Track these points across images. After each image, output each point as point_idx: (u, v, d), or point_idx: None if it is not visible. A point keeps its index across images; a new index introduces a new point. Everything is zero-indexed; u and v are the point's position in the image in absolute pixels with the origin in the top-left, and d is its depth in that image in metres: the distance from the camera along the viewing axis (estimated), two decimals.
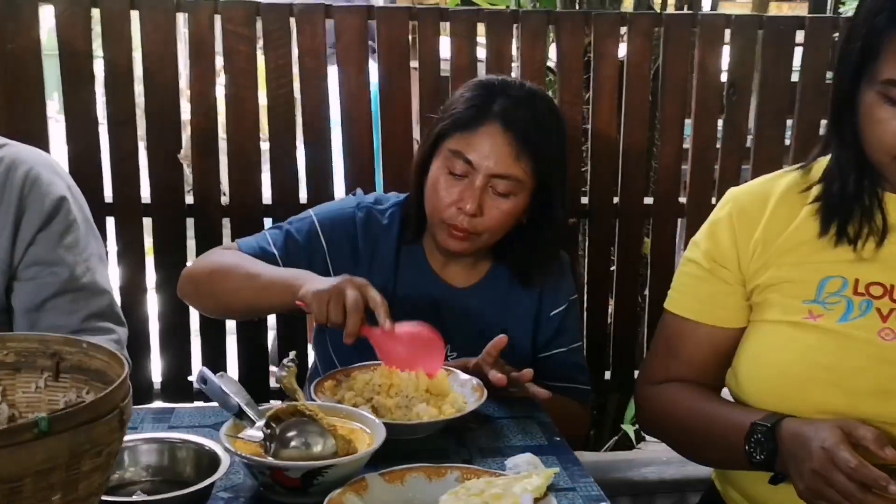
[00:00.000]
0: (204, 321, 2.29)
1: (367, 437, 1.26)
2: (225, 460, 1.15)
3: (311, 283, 1.49)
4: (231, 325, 2.32)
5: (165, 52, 2.15)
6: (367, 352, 1.68)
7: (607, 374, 2.43)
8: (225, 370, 1.90)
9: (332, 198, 2.23)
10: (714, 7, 3.99)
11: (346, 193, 2.16)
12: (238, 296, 1.62)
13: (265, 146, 2.25)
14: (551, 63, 2.50)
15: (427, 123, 2.18)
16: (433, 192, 1.62)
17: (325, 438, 1.21)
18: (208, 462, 1.17)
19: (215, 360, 2.29)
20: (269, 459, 1.17)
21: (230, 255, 1.70)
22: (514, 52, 2.27)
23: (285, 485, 1.16)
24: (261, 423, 1.24)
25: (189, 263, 2.24)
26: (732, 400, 1.44)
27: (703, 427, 1.41)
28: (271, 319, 2.37)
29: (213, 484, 1.13)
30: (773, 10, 4.48)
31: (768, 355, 1.37)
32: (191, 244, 2.26)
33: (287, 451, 1.20)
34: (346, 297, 1.41)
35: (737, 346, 1.43)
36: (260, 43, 2.22)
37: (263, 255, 1.68)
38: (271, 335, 2.61)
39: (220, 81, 2.22)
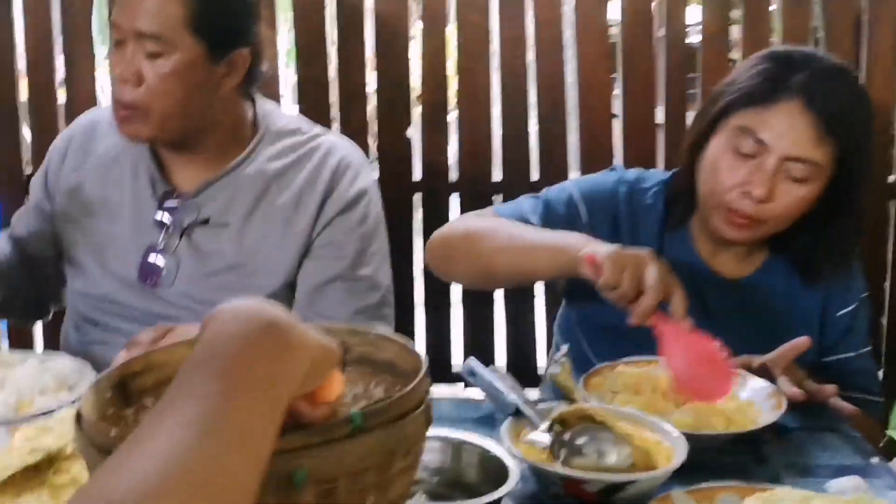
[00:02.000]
0: (466, 299, 2.20)
1: (664, 448, 1.12)
2: (514, 470, 1.04)
3: (597, 245, 1.35)
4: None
5: (398, 24, 2.07)
6: (622, 342, 1.54)
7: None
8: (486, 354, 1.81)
9: (565, 176, 2.11)
10: None
11: (582, 173, 2.02)
12: (500, 258, 1.49)
13: (496, 120, 2.15)
14: None
15: (674, 95, 2.01)
16: (713, 172, 1.46)
17: (620, 448, 1.08)
18: (494, 468, 1.07)
19: (479, 341, 2.20)
20: (565, 469, 1.05)
21: (488, 218, 1.59)
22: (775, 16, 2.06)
23: (579, 497, 1.04)
24: (544, 426, 1.12)
25: (416, 241, 2.19)
26: None
27: None
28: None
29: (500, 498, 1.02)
30: None
31: None
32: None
33: (579, 460, 1.08)
34: (647, 270, 1.27)
35: None
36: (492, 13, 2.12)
37: (522, 222, 1.56)
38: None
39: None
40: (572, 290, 1.65)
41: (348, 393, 0.91)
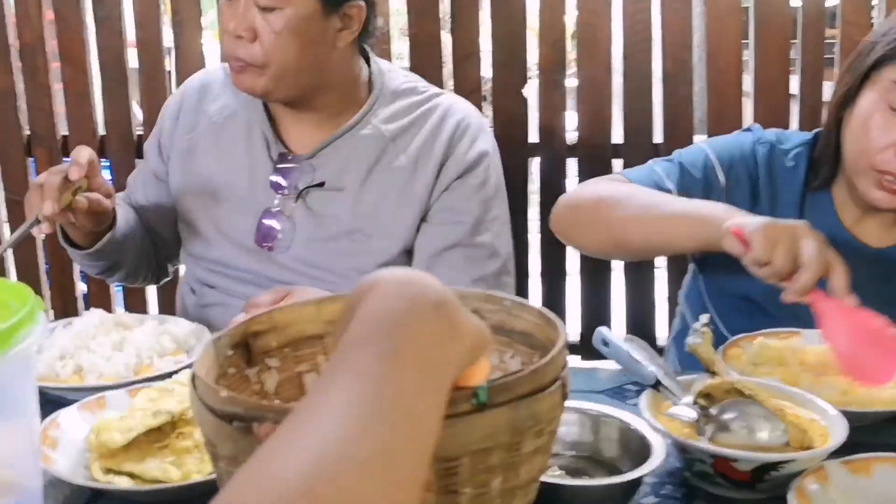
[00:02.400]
0: (583, 268, 2.13)
1: (818, 425, 1.02)
2: (658, 446, 0.96)
3: (742, 216, 1.25)
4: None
5: None
6: (758, 314, 1.44)
7: None
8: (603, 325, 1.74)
9: (690, 140, 1.99)
10: None
11: (708, 135, 1.91)
12: (634, 227, 1.40)
13: (617, 79, 2.05)
14: None
15: (810, 57, 1.88)
16: (863, 131, 1.33)
17: (773, 425, 0.99)
18: (636, 443, 0.99)
19: (596, 312, 2.13)
20: (716, 447, 0.97)
21: (620, 184, 1.50)
22: None
23: (730, 476, 0.96)
24: (687, 399, 1.04)
25: (531, 208, 2.12)
26: None
27: None
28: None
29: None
30: None
31: None
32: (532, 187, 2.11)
33: (728, 437, 0.99)
34: (803, 244, 1.16)
35: None
36: None
37: (656, 188, 1.47)
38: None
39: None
40: (704, 259, 1.56)
41: None
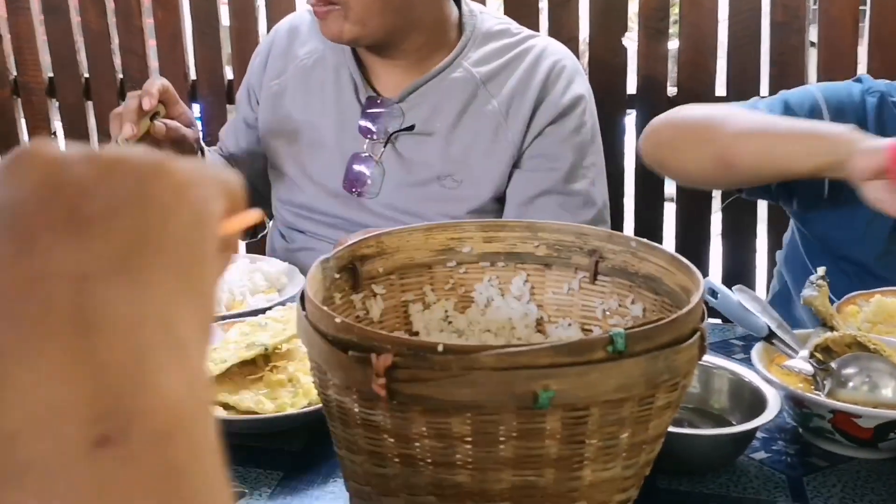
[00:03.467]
0: (679, 221, 2.06)
1: None
2: (772, 399, 0.91)
3: (875, 138, 1.14)
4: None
5: None
6: (865, 275, 1.37)
7: None
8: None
9: None
10: None
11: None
12: (744, 145, 1.28)
13: (722, 27, 1.96)
14: None
15: None
16: None
17: None
18: (748, 396, 0.94)
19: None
20: (838, 402, 0.91)
21: (723, 105, 1.41)
22: None
23: (850, 433, 0.90)
24: (804, 352, 0.98)
25: (627, 161, 2.05)
26: None
27: None
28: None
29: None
30: None
31: None
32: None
33: (847, 393, 0.93)
34: None
35: None
36: None
37: None
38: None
39: None
40: (806, 216, 1.48)
41: (598, 307, 0.80)
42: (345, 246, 0.71)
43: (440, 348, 0.55)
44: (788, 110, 1.38)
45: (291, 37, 1.62)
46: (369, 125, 1.51)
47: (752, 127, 1.29)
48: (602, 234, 0.79)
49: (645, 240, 0.77)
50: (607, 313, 0.79)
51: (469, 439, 0.58)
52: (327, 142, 1.55)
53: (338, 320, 0.58)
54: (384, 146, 1.51)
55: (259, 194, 1.70)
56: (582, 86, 1.53)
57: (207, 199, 0.34)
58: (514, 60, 1.50)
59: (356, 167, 1.53)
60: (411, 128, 1.49)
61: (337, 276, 0.70)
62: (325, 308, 0.60)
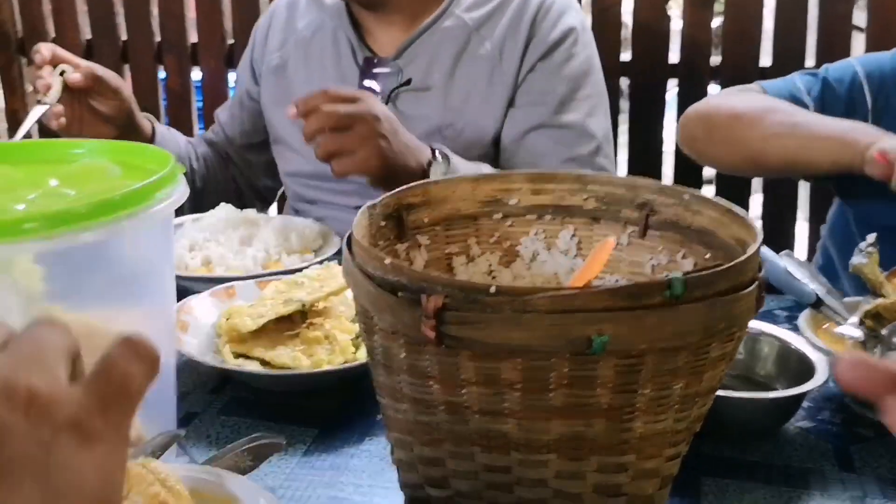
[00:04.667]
0: (718, 194, 2.02)
1: None
2: (820, 366, 0.88)
3: (889, 138, 1.18)
4: None
5: None
6: None
7: None
8: None
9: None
10: None
11: None
12: (773, 145, 1.34)
13: None
14: None
15: None
16: None
17: None
18: (794, 362, 0.92)
19: None
20: None
21: (755, 96, 1.41)
22: None
23: None
24: (854, 319, 0.96)
25: (667, 132, 2.02)
26: None
27: None
28: None
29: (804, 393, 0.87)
30: None
31: None
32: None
33: None
34: None
35: None
36: None
37: (792, 102, 1.38)
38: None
39: None
40: (848, 186, 1.44)
41: (646, 262, 0.78)
42: (391, 193, 0.70)
43: (492, 290, 0.53)
44: (826, 87, 1.38)
45: (291, 10, 1.63)
46: (374, 86, 1.50)
47: (779, 130, 1.32)
48: (653, 186, 0.76)
49: (699, 191, 0.74)
50: (656, 269, 0.77)
51: (518, 386, 0.56)
52: None
53: (387, 261, 0.56)
54: (385, 105, 1.50)
55: (262, 171, 1.69)
56: (573, 18, 1.50)
57: None
58: (505, 2, 1.48)
59: None
60: (408, 82, 1.48)
61: (382, 223, 0.69)
62: (375, 249, 0.58)
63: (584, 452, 0.59)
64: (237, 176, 1.69)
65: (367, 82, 1.50)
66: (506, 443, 0.59)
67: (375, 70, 1.50)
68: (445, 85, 1.47)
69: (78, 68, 1.39)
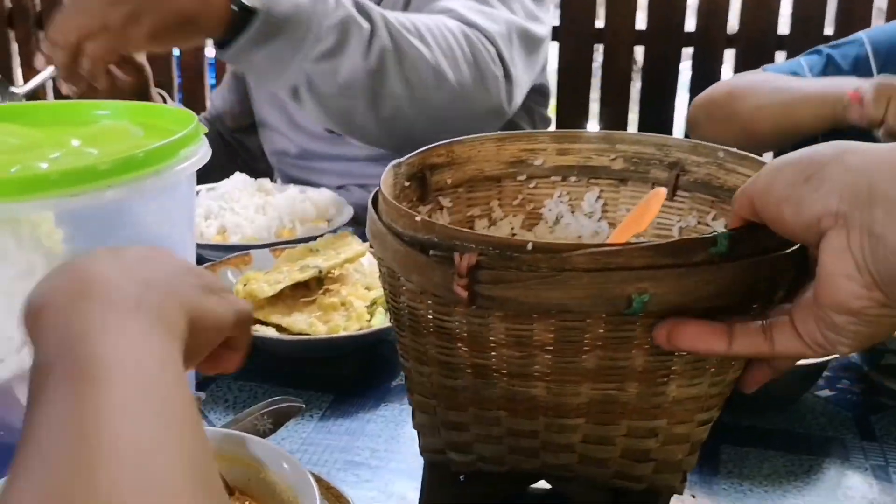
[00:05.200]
0: None
1: None
2: None
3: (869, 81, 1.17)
4: None
5: None
6: None
7: None
8: None
9: None
10: None
11: None
12: (761, 115, 1.35)
13: None
14: None
15: None
16: None
17: None
18: None
19: None
20: None
21: (755, 74, 1.44)
22: None
23: None
24: None
25: (680, 101, 2.00)
26: None
27: None
28: None
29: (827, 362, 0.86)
30: None
31: None
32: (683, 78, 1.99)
33: None
34: None
35: None
36: None
37: None
38: None
39: None
40: None
41: (674, 225, 0.76)
42: (416, 153, 0.68)
43: (529, 247, 0.50)
44: (830, 63, 1.40)
45: None
46: None
47: (767, 100, 1.34)
48: (685, 144, 0.73)
49: (734, 149, 0.70)
50: (684, 231, 0.74)
51: (550, 348, 0.54)
52: None
53: (418, 218, 0.54)
54: None
55: (248, 152, 1.69)
56: None
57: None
58: None
59: None
60: None
61: (406, 183, 0.67)
62: (404, 206, 0.56)
63: (614, 417, 0.57)
64: (237, 159, 1.69)
65: None
66: (533, 407, 0.57)
67: None
68: None
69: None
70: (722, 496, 0.75)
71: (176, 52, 2.40)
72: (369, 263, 1.06)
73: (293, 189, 1.39)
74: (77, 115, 0.68)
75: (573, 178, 0.76)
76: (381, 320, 0.96)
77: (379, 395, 0.89)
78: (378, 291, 1.00)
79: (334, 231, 1.21)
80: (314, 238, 1.11)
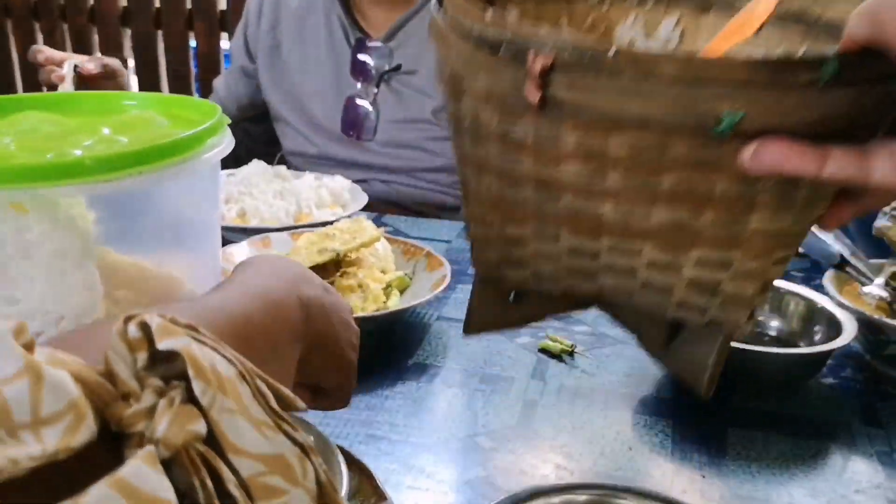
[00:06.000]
0: None
1: None
2: (848, 325, 0.89)
3: None
4: None
5: None
6: None
7: None
8: None
9: None
10: None
11: None
12: None
13: None
14: None
15: None
16: None
17: None
18: (823, 322, 0.93)
19: None
20: None
21: None
22: None
23: None
24: (879, 280, 0.97)
25: None
26: None
27: None
28: None
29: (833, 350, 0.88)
30: None
31: None
32: None
33: None
34: None
35: None
36: None
37: None
38: None
39: None
40: None
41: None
42: None
43: (612, 52, 0.44)
44: None
45: None
46: (364, 67, 1.52)
47: None
48: None
49: None
50: (768, 58, 0.67)
51: (624, 164, 0.48)
52: (325, 87, 1.56)
53: (489, 16, 0.48)
54: (376, 87, 1.51)
55: (251, 138, 1.71)
56: None
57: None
58: None
59: (352, 110, 1.54)
60: (398, 68, 1.50)
61: None
62: (473, 1, 0.49)
63: (685, 243, 0.51)
64: (241, 146, 1.71)
65: (360, 56, 1.51)
66: (598, 226, 0.52)
67: (367, 51, 1.51)
68: (436, 69, 1.45)
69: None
70: (731, 477, 0.76)
71: (193, 43, 2.43)
72: (383, 248, 1.08)
73: (309, 176, 1.41)
74: (107, 105, 0.71)
75: (650, 3, 0.68)
76: (395, 302, 0.98)
77: (396, 374, 0.92)
78: (392, 275, 1.03)
79: (350, 216, 1.23)
80: (331, 223, 1.14)
